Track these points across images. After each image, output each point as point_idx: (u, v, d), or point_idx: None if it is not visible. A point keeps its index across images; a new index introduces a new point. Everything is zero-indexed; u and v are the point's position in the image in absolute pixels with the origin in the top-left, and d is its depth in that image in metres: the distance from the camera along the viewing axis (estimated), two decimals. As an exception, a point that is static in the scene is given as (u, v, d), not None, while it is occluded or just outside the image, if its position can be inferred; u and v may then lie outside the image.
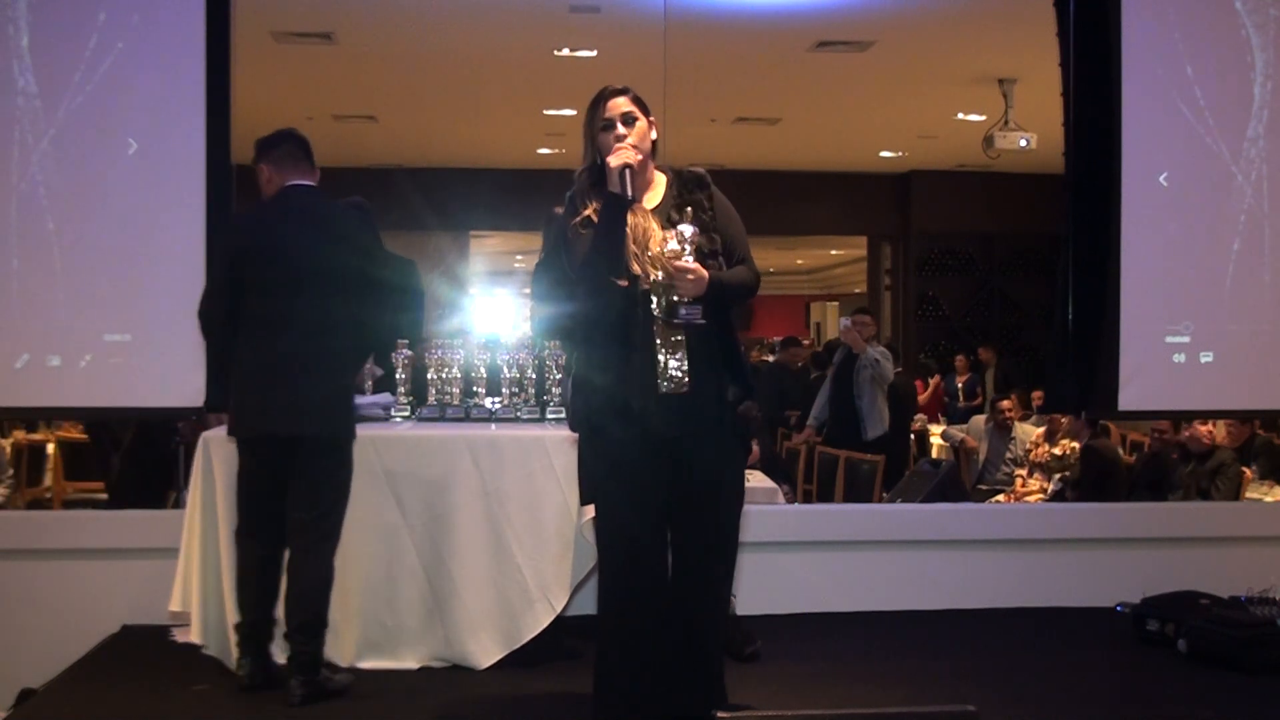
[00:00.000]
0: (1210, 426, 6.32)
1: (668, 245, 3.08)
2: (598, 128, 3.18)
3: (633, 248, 3.12)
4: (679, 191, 3.22)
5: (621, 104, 3.18)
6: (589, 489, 3.25)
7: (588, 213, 3.14)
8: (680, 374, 3.09)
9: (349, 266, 3.55)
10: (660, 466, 3.12)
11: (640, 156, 3.14)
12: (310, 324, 3.52)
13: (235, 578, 3.74)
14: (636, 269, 3.11)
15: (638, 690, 3.13)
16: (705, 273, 3.08)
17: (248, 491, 3.70)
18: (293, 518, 3.59)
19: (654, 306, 3.11)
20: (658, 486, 3.14)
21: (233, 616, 3.80)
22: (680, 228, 3.09)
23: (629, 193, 3.08)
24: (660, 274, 3.10)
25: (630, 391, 3.08)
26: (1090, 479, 6.73)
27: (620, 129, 3.15)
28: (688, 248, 3.06)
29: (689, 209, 3.18)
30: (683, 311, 3.09)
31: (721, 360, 3.19)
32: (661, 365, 3.09)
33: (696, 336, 3.11)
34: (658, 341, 3.10)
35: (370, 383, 4.52)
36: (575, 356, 3.27)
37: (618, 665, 3.14)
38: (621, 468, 3.12)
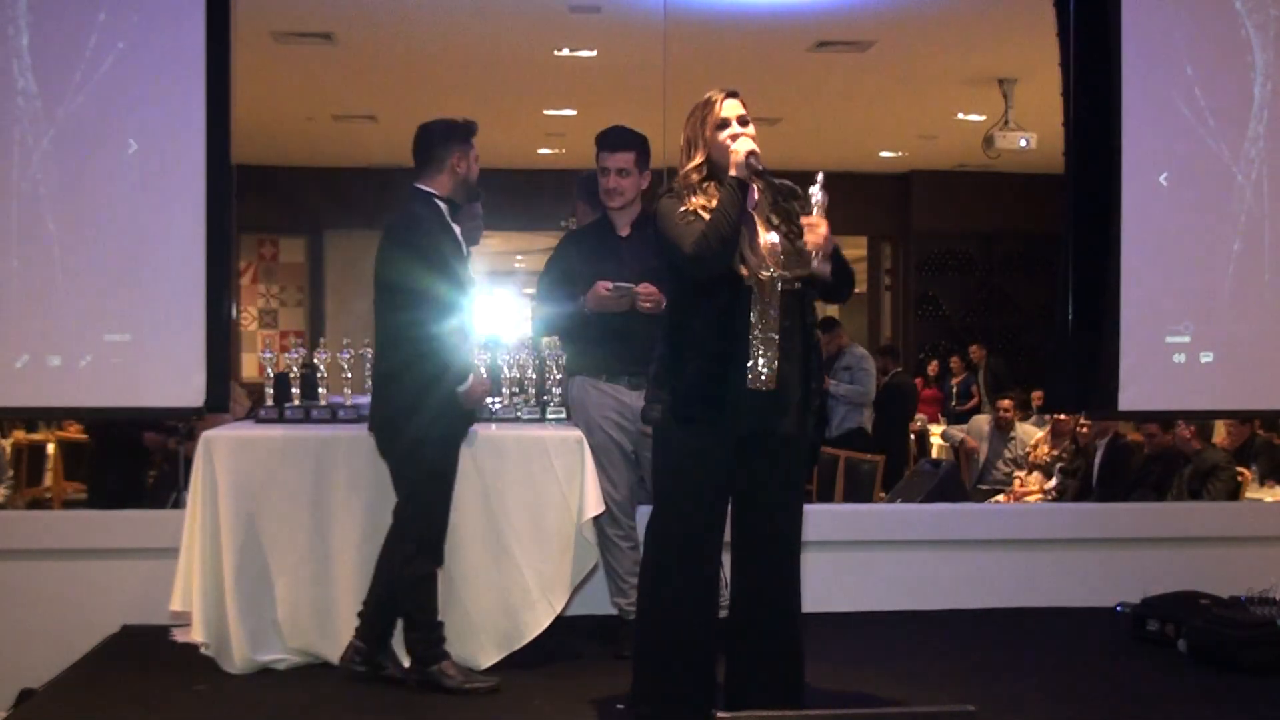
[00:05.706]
0: (1190, 430, 6.28)
1: (814, 197, 3.12)
2: (711, 126, 3.21)
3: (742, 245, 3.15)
4: (773, 199, 3.26)
5: (737, 106, 3.23)
6: (666, 482, 3.27)
7: (694, 206, 3.16)
8: (769, 370, 3.11)
9: None
10: (733, 463, 3.17)
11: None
12: None
13: None
14: (741, 266, 3.13)
15: (685, 688, 3.17)
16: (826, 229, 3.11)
17: None
18: None
19: (764, 295, 3.12)
20: (728, 484, 3.20)
21: (235, 616, 3.85)
22: (812, 190, 3.14)
23: (762, 170, 3.14)
24: (767, 272, 3.12)
25: (727, 385, 3.11)
26: (1111, 471, 6.68)
27: (737, 128, 3.20)
28: (818, 209, 3.12)
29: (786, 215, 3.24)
30: (815, 264, 3.13)
31: (804, 361, 3.21)
32: (752, 361, 3.11)
33: (786, 335, 3.14)
34: (753, 336, 3.12)
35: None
36: (667, 349, 3.24)
37: (669, 662, 3.17)
38: (702, 461, 3.14)
